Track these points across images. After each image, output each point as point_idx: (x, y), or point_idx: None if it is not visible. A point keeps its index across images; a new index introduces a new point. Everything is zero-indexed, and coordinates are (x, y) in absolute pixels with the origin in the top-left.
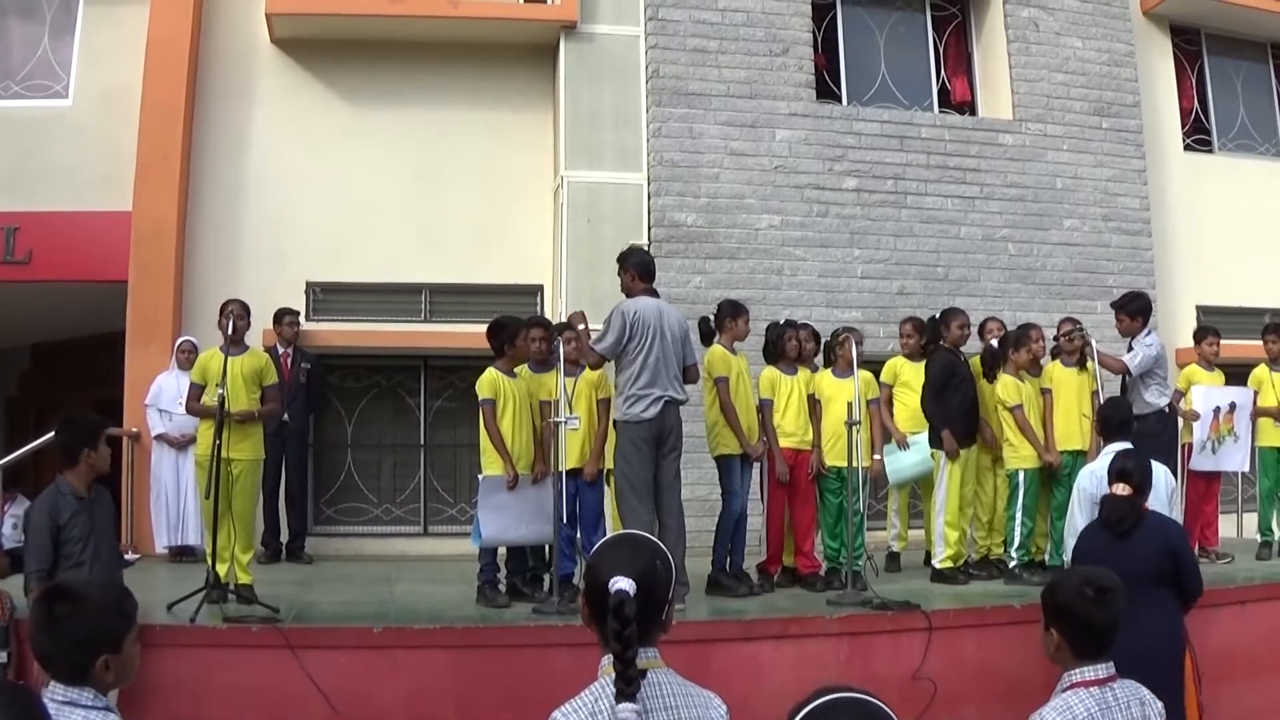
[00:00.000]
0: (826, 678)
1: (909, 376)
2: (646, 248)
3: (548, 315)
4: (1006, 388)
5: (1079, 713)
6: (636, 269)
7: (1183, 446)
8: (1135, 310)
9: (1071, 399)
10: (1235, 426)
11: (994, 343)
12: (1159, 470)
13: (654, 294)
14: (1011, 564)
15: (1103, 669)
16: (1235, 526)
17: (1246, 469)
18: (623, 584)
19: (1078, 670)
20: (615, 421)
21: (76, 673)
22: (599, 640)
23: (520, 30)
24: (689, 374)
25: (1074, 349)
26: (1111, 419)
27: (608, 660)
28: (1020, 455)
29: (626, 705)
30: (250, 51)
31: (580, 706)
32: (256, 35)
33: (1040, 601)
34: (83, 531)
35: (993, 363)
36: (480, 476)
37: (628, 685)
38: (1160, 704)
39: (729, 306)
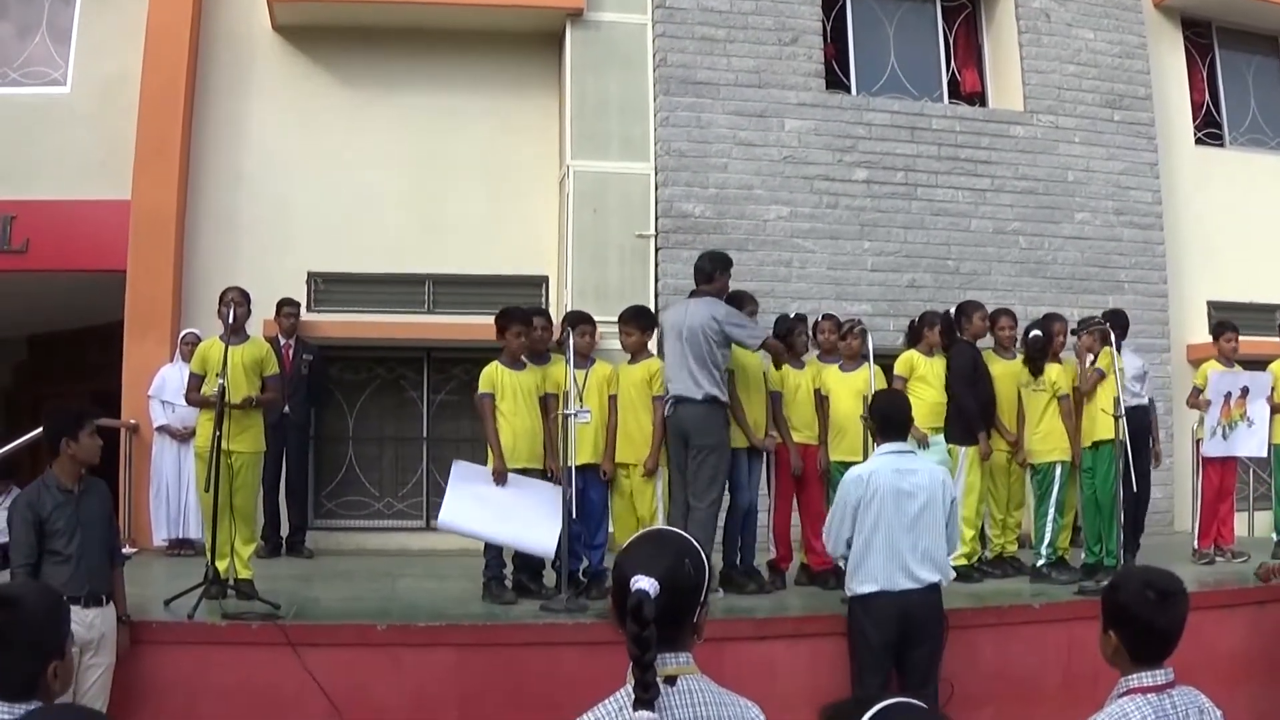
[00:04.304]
0: (842, 678)
1: (925, 371)
2: (646, 238)
3: (552, 306)
4: (1064, 374)
5: None
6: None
7: (1195, 441)
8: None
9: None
10: (1248, 411)
11: (1038, 333)
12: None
13: (703, 294)
14: (1040, 562)
15: (1161, 675)
16: (1248, 525)
17: (1264, 454)
18: (643, 584)
19: (1135, 676)
20: None
21: (26, 686)
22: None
23: (526, 17)
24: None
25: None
26: (892, 418)
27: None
28: (1060, 448)
29: (644, 714)
30: (251, 38)
31: (604, 715)
32: (257, 22)
33: (1100, 602)
34: (67, 525)
35: (1039, 354)
36: (455, 461)
37: (645, 692)
38: (1220, 712)
39: (734, 299)
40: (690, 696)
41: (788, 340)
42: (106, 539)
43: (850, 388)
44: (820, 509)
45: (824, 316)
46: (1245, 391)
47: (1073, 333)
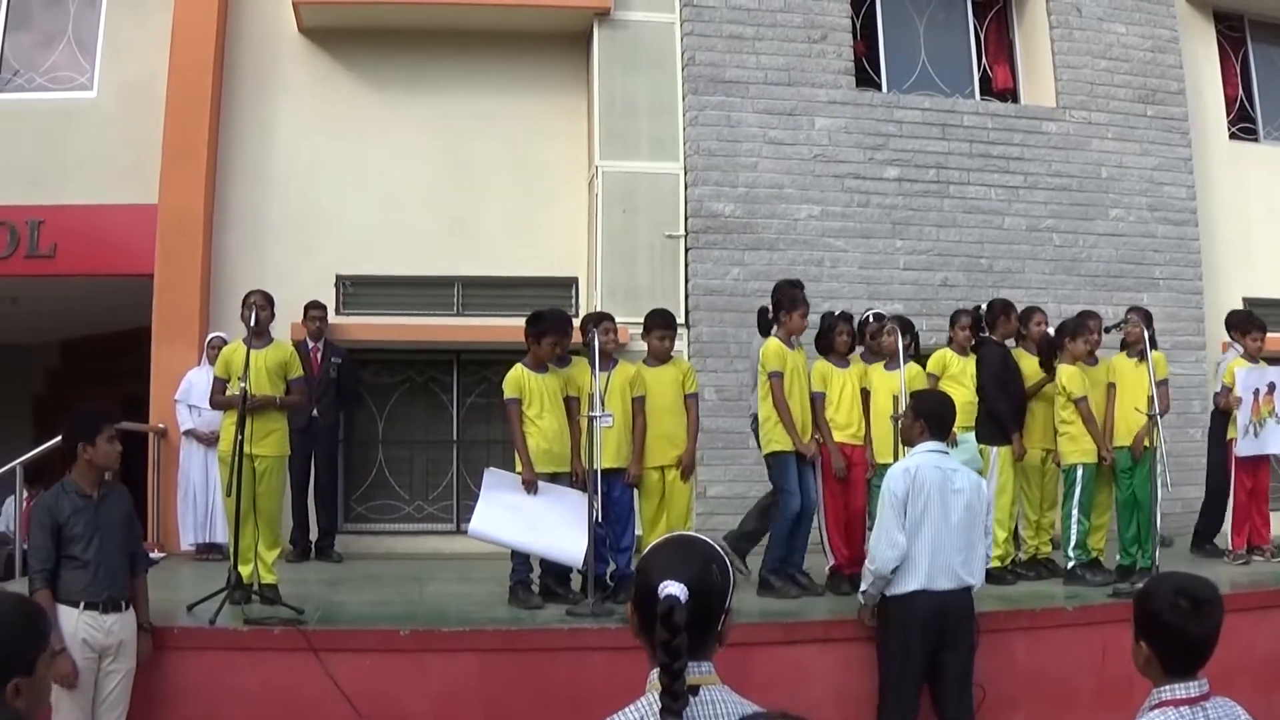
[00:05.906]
0: (872, 683)
1: (957, 370)
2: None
3: (582, 307)
4: (1072, 378)
5: None
6: None
7: (1228, 441)
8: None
9: (1128, 392)
10: (1276, 408)
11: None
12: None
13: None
14: (1070, 564)
15: (1195, 687)
16: None
17: None
18: (673, 588)
19: (1167, 688)
20: None
21: None
22: (647, 651)
23: (553, 17)
24: None
25: (1135, 339)
26: (943, 418)
27: (656, 674)
28: (1081, 449)
29: None
30: (277, 41)
31: None
32: (284, 24)
33: (1131, 610)
34: (86, 530)
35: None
36: (487, 469)
37: (675, 701)
38: None
39: (786, 300)
40: (714, 707)
41: (829, 338)
42: (126, 545)
43: (888, 386)
44: (862, 511)
45: (842, 318)
46: (1272, 387)
47: (1107, 330)
